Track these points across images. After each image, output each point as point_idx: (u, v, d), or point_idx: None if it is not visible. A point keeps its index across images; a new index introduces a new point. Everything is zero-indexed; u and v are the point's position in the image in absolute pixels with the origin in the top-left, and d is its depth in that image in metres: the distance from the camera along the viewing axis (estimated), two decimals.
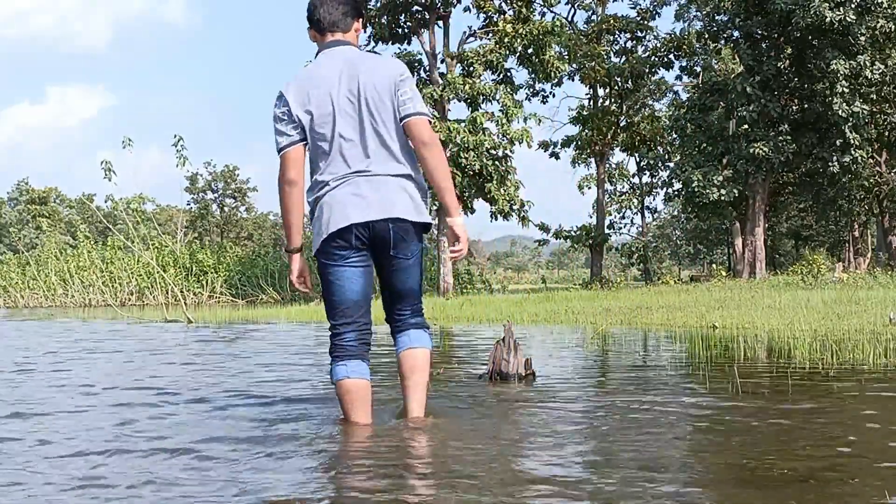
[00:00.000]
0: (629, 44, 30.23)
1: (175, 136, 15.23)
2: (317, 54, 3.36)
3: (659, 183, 45.51)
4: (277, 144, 3.23)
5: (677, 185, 32.39)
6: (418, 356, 3.32)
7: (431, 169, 3.20)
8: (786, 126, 26.02)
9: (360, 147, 3.17)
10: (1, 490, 2.47)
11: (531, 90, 31.32)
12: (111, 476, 2.60)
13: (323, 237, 3.19)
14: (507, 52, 23.06)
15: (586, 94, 32.65)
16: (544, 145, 32.84)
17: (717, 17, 27.81)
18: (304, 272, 3.42)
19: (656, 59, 29.07)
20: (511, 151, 23.16)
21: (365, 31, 23.84)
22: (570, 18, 30.94)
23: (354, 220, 3.14)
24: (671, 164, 39.34)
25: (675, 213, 56.88)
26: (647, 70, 28.90)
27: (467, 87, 22.44)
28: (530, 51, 23.28)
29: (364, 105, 3.17)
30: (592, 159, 32.84)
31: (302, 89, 3.21)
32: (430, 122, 3.26)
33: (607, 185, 39.31)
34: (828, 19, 23.74)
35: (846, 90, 24.54)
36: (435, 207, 22.93)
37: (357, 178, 3.16)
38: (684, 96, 35.88)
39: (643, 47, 30.30)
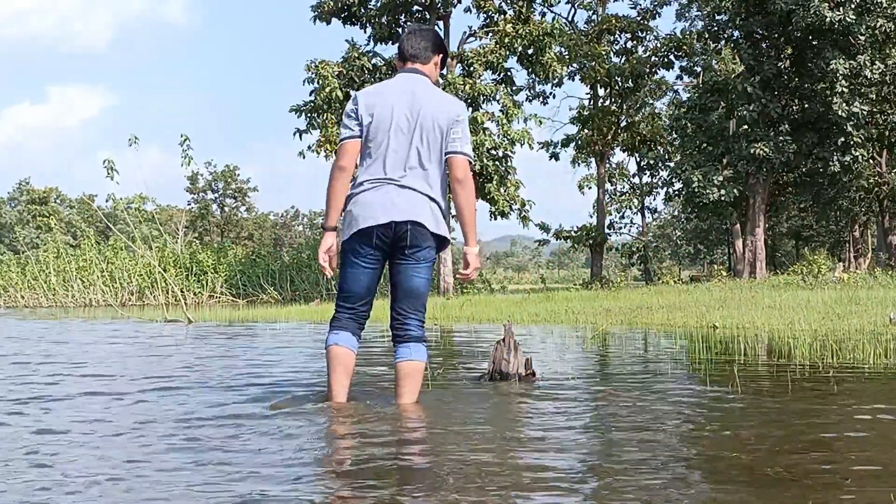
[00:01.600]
0: (629, 44, 30.23)
1: (182, 136, 15.23)
2: (395, 75, 3.84)
3: (659, 183, 45.51)
4: (341, 136, 3.73)
5: (677, 185, 32.42)
6: (417, 367, 3.68)
7: (461, 203, 3.70)
8: (786, 126, 26.01)
9: (401, 160, 3.62)
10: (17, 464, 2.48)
11: (531, 91, 31.34)
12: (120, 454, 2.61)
13: (351, 232, 3.64)
14: (508, 53, 23.06)
15: (586, 94, 32.66)
16: (545, 146, 32.84)
17: (717, 17, 27.80)
18: (333, 251, 3.77)
19: (657, 58, 29.06)
20: (511, 152, 23.16)
21: (365, 32, 23.90)
22: (570, 18, 30.96)
23: (380, 222, 3.57)
24: (671, 164, 39.34)
25: (676, 213, 56.89)
26: (647, 70, 28.88)
27: (467, 87, 22.43)
28: (530, 51, 23.28)
29: (418, 128, 3.63)
30: (592, 159, 32.83)
31: (371, 97, 3.71)
32: (470, 164, 3.70)
33: (607, 185, 39.30)
34: (828, 19, 23.74)
35: (846, 90, 24.53)
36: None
37: (389, 186, 3.60)
38: (684, 96, 35.88)
39: (643, 47, 30.29)
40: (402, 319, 3.69)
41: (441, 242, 3.71)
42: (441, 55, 3.88)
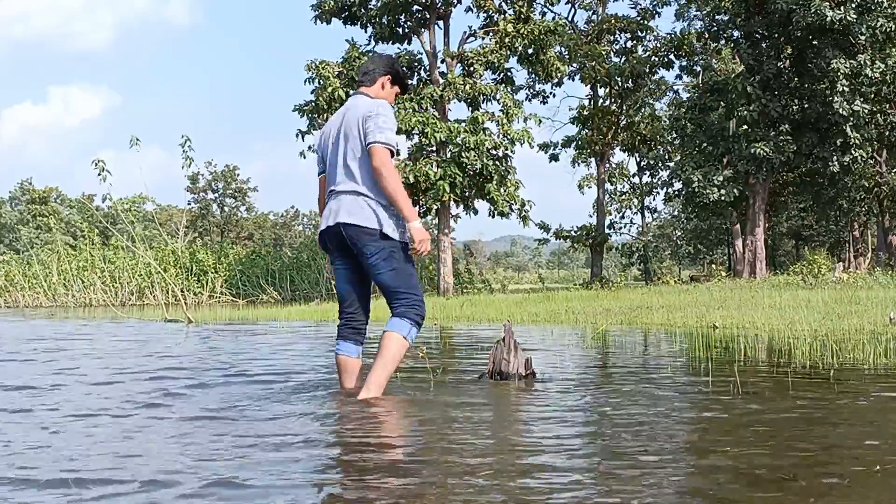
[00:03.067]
0: (629, 43, 30.22)
1: (182, 137, 15.10)
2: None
3: (659, 183, 45.48)
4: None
5: (677, 185, 32.40)
6: (383, 338, 4.01)
7: (383, 187, 3.93)
8: (786, 126, 25.99)
9: (337, 170, 4.07)
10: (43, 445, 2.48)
11: (531, 91, 31.32)
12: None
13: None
14: (508, 52, 23.04)
15: (586, 94, 32.65)
16: (544, 147, 32.83)
17: (717, 17, 27.79)
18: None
19: (656, 58, 29.05)
20: (511, 151, 23.15)
21: (365, 31, 23.89)
22: (570, 18, 30.94)
23: (320, 229, 4.12)
24: (671, 164, 39.32)
25: (676, 213, 56.86)
26: (647, 70, 28.87)
27: (468, 86, 22.42)
28: (531, 51, 23.27)
29: (343, 136, 4.07)
30: (592, 159, 32.82)
31: (323, 129, 4.30)
32: (388, 150, 3.93)
33: (607, 185, 39.25)
34: (828, 19, 23.72)
35: (846, 89, 24.52)
36: (436, 207, 22.94)
37: (332, 196, 4.09)
38: (685, 96, 35.86)
39: (643, 47, 30.29)
40: (390, 308, 4.07)
41: (379, 233, 3.94)
42: (388, 76, 4.25)
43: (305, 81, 22.99)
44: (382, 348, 3.99)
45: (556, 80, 26.67)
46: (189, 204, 69.78)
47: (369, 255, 3.97)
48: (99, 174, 13.72)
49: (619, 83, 28.84)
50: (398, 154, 4.03)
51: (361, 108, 4.07)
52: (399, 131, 22.21)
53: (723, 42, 28.13)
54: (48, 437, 3.25)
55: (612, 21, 29.48)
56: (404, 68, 4.38)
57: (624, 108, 30.17)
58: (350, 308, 4.18)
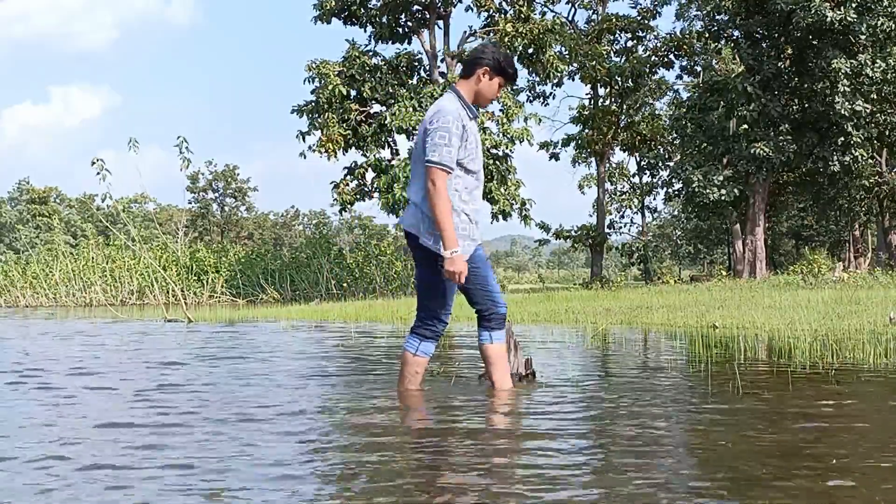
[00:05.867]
0: (630, 43, 30.20)
1: (178, 138, 14.94)
2: None
3: (659, 183, 45.45)
4: None
5: (677, 185, 32.39)
6: (402, 358, 4.22)
7: (429, 207, 3.92)
8: (786, 126, 25.99)
9: (412, 171, 4.13)
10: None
11: (532, 93, 31.30)
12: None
13: None
14: (508, 52, 23.05)
15: (587, 94, 32.63)
16: (544, 146, 32.83)
17: (717, 17, 27.78)
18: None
19: (657, 58, 29.04)
20: (511, 151, 23.15)
21: (365, 31, 23.89)
22: (570, 18, 30.92)
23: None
24: (671, 164, 39.31)
25: (676, 212, 56.85)
26: (647, 69, 28.86)
27: None
28: (531, 50, 23.26)
29: (418, 143, 4.09)
30: (593, 159, 32.81)
31: None
32: (440, 170, 3.89)
33: (607, 185, 39.24)
34: (828, 18, 23.72)
35: (847, 89, 24.52)
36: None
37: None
38: (685, 96, 35.84)
39: (644, 47, 30.27)
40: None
41: (427, 248, 4.00)
42: (487, 67, 4.13)
43: (305, 81, 23.01)
44: (402, 368, 4.21)
45: (556, 80, 26.65)
46: (189, 204, 69.81)
47: (415, 259, 4.12)
48: (98, 173, 13.70)
49: (620, 83, 28.83)
50: (451, 173, 3.95)
51: (429, 115, 4.05)
52: (399, 131, 22.23)
53: (723, 42, 28.11)
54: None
55: (613, 21, 29.47)
56: (506, 56, 4.14)
57: (624, 107, 30.16)
58: (474, 305, 4.23)
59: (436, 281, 4.03)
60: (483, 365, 4.43)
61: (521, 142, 22.83)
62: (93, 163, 13.61)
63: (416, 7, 23.38)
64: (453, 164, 3.92)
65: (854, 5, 24.06)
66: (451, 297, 4.09)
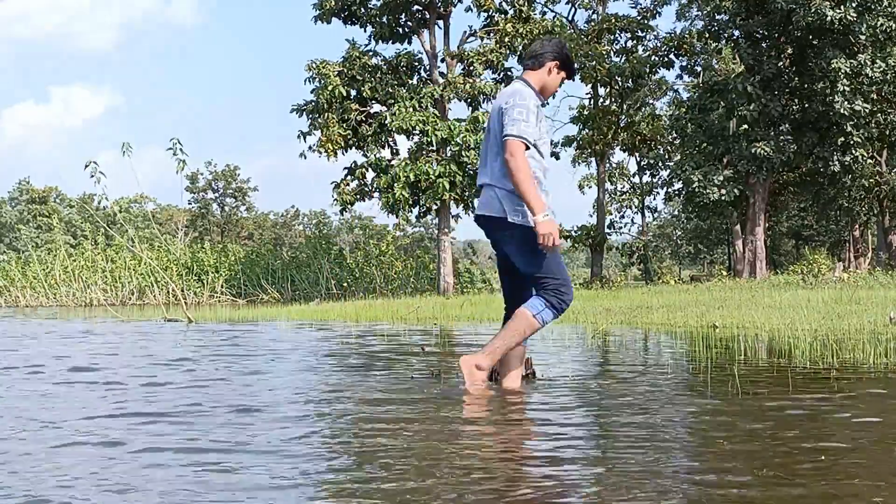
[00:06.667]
0: (630, 43, 30.17)
1: (171, 140, 14.94)
2: None
3: (659, 183, 45.47)
4: None
5: (677, 185, 32.36)
6: (519, 312, 4.04)
7: (510, 178, 3.91)
8: (786, 125, 25.99)
9: (481, 162, 4.18)
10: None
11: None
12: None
13: None
14: (508, 52, 23.05)
15: (586, 94, 32.63)
16: None
17: (717, 17, 27.76)
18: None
19: (657, 58, 29.02)
20: None
21: (365, 31, 23.88)
22: (570, 18, 30.91)
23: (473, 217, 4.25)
24: (671, 164, 39.32)
25: (676, 212, 56.84)
26: (647, 69, 28.83)
27: (468, 86, 22.43)
28: None
29: (489, 129, 4.13)
30: (593, 159, 32.81)
31: None
32: (520, 142, 3.91)
33: (607, 185, 39.27)
34: (828, 18, 23.72)
35: (847, 89, 24.52)
36: (435, 206, 22.93)
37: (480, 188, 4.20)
38: (685, 96, 35.85)
39: (644, 47, 30.25)
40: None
41: (508, 222, 3.98)
42: (556, 62, 4.20)
43: (305, 81, 23.02)
44: (510, 322, 4.05)
45: None
46: (189, 204, 69.81)
47: (504, 244, 4.06)
48: (92, 176, 13.69)
49: (620, 83, 28.81)
50: (529, 148, 3.97)
51: (503, 97, 4.10)
52: (399, 131, 22.23)
53: (723, 41, 28.11)
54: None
55: (613, 20, 29.44)
56: (570, 53, 4.26)
57: (624, 107, 30.15)
58: (506, 300, 4.29)
59: (541, 254, 3.98)
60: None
61: None
62: (86, 166, 13.59)
63: (416, 7, 23.38)
64: (531, 139, 3.94)
65: (854, 5, 24.06)
66: (562, 261, 4.09)
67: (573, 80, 5.28)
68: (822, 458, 2.73)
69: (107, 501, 2.34)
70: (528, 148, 3.92)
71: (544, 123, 4.13)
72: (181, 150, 14.95)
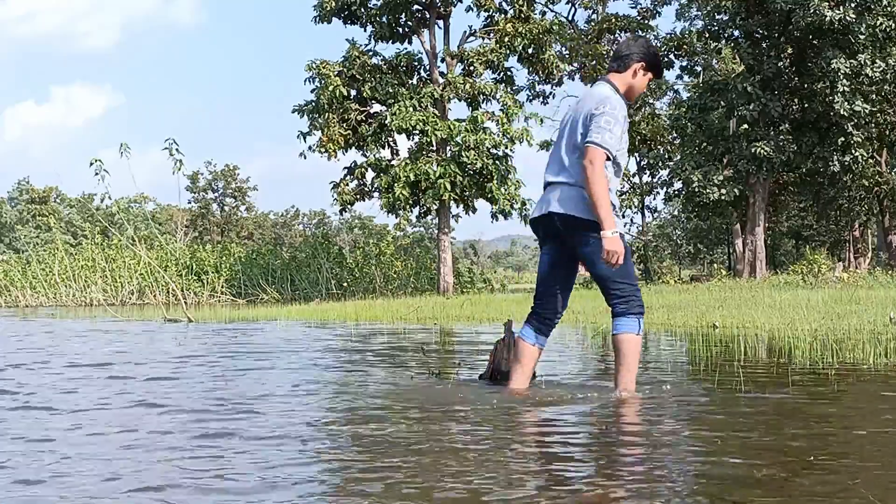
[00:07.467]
0: None
1: (166, 141, 14.75)
2: None
3: (659, 182, 45.46)
4: None
5: (677, 185, 32.39)
6: (616, 342, 4.01)
7: (586, 187, 3.88)
8: (786, 125, 25.99)
9: (555, 159, 4.11)
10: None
11: (532, 92, 31.30)
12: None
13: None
14: (508, 52, 23.05)
15: None
16: (545, 145, 32.80)
17: (717, 17, 27.76)
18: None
19: None
20: (511, 151, 23.16)
21: (365, 31, 23.87)
22: (570, 18, 30.93)
23: (531, 217, 4.21)
24: (671, 164, 39.33)
25: (676, 212, 56.82)
26: None
27: (468, 86, 22.42)
28: (531, 50, 23.26)
29: (570, 127, 4.06)
30: None
31: (568, 110, 4.25)
32: (602, 152, 3.87)
33: None
34: (828, 18, 23.72)
35: (847, 89, 24.52)
36: (435, 206, 22.93)
37: (547, 185, 4.12)
38: (685, 96, 35.86)
39: None
40: (607, 302, 4.07)
41: (589, 224, 3.91)
42: (643, 63, 4.13)
43: (305, 81, 23.02)
44: (621, 352, 3.99)
45: (556, 80, 26.65)
46: (189, 203, 69.82)
47: (584, 244, 3.96)
48: (97, 174, 13.71)
49: None
50: (609, 159, 3.92)
51: (593, 100, 4.01)
52: (399, 131, 22.23)
53: (723, 41, 28.11)
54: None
55: (613, 20, 29.46)
56: (657, 52, 4.16)
57: None
58: (541, 299, 4.20)
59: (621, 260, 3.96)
60: (487, 363, 4.42)
61: (521, 142, 22.84)
62: (91, 163, 13.62)
63: (416, 7, 23.37)
64: (613, 151, 3.92)
65: (853, 5, 24.06)
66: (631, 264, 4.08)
67: (661, 80, 5.12)
68: (822, 458, 2.73)
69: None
70: (609, 158, 3.90)
71: (626, 136, 4.08)
72: (177, 149, 14.89)
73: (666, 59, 28.96)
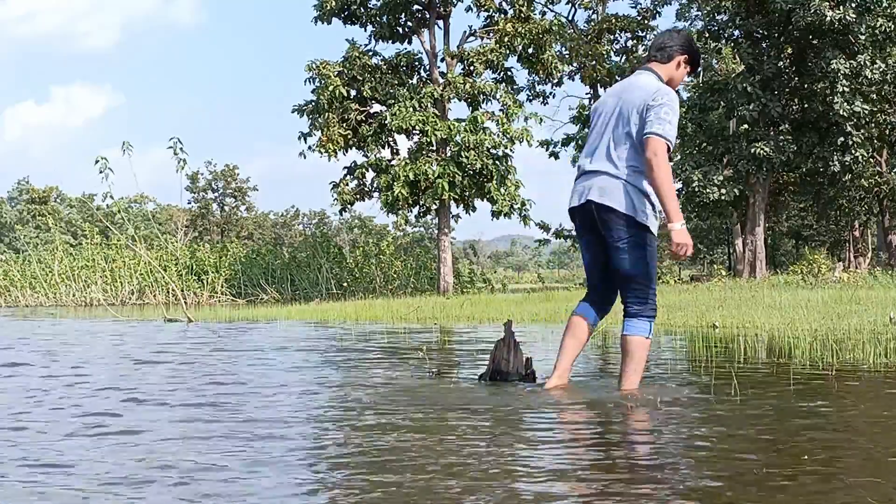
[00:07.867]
0: (630, 43, 30.21)
1: (171, 140, 14.99)
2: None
3: None
4: None
5: (677, 185, 32.36)
6: (629, 342, 4.04)
7: (652, 179, 3.82)
8: (786, 125, 25.99)
9: (596, 149, 3.99)
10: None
11: (532, 92, 31.31)
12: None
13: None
14: (508, 52, 23.05)
15: (587, 94, 32.65)
16: (544, 144, 32.83)
17: (717, 17, 27.79)
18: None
19: None
20: (511, 151, 23.16)
21: (365, 31, 23.88)
22: (570, 18, 30.93)
23: (571, 205, 4.08)
24: (671, 164, 39.31)
25: None
26: None
27: (467, 86, 22.42)
28: (531, 50, 23.27)
29: (616, 116, 3.94)
30: None
31: (602, 98, 4.18)
32: (665, 143, 3.80)
33: None
34: (828, 18, 23.73)
35: (847, 89, 24.53)
36: (435, 206, 22.93)
37: (585, 173, 4.00)
38: (685, 96, 35.87)
39: (644, 47, 30.28)
40: (622, 299, 4.08)
41: (633, 220, 3.87)
42: (685, 55, 4.11)
43: (305, 81, 23.02)
44: (629, 353, 4.04)
45: (556, 80, 26.65)
46: (189, 203, 69.85)
47: (616, 238, 3.91)
48: (101, 172, 13.76)
49: None
50: (671, 150, 3.87)
51: (645, 91, 3.92)
52: (399, 131, 22.24)
53: (723, 41, 28.13)
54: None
55: (613, 20, 29.48)
56: (698, 46, 4.19)
57: None
58: (593, 281, 4.24)
59: (644, 256, 3.97)
60: (487, 365, 4.41)
61: (520, 142, 22.85)
62: (97, 161, 13.70)
63: (416, 7, 23.37)
64: (673, 141, 3.88)
65: (853, 5, 24.07)
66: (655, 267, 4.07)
67: (697, 75, 5.11)
68: (823, 458, 2.73)
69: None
70: (669, 150, 3.86)
71: None
72: (181, 149, 14.96)
73: None
